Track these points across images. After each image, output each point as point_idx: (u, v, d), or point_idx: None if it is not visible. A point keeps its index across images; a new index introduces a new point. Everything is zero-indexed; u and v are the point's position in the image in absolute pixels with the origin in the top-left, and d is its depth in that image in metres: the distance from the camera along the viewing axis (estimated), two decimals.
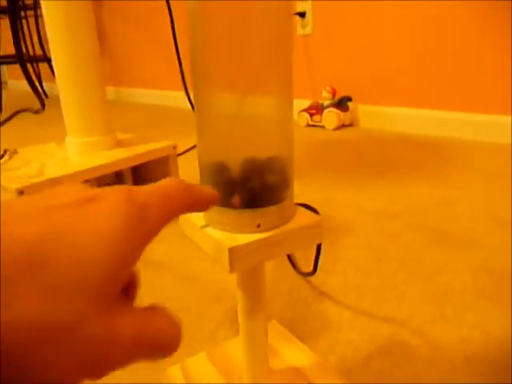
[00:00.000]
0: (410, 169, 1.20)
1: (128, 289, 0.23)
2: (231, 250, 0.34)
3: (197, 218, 0.39)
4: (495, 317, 0.58)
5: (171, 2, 1.21)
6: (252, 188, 0.36)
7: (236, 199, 0.36)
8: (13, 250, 0.16)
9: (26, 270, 0.16)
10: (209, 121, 0.36)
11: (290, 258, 0.73)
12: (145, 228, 0.21)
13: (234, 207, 0.36)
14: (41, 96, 2.39)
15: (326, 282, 0.68)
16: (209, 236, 0.36)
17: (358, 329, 0.58)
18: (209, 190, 0.26)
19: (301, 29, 1.86)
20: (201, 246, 0.39)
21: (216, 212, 0.37)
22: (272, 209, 0.36)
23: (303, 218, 0.39)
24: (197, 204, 0.25)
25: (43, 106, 2.25)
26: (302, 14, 1.83)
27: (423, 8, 1.50)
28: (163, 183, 0.23)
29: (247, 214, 0.36)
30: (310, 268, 0.73)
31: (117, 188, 0.21)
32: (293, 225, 0.38)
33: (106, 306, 0.18)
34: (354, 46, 1.73)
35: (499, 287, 0.64)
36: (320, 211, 0.99)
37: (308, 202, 1.07)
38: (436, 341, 0.54)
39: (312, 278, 0.70)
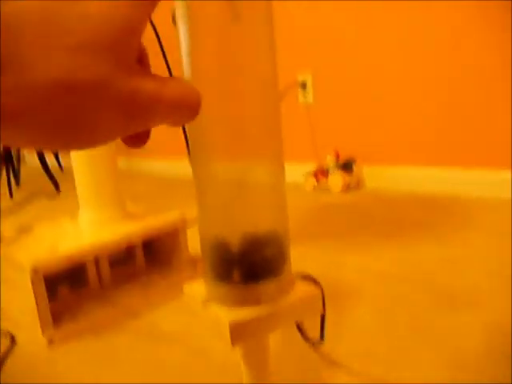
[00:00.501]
0: (416, 228, 1.21)
1: (142, 59, 0.24)
2: (232, 325, 0.36)
3: (199, 292, 0.41)
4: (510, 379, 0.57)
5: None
6: (251, 263, 0.38)
7: (236, 274, 0.38)
8: (28, 9, 0.17)
9: (45, 30, 0.17)
10: (207, 192, 0.39)
11: (298, 326, 0.73)
12: None
13: (233, 282, 0.38)
14: (55, 180, 2.47)
15: (336, 349, 0.68)
16: (210, 311, 0.38)
17: None
18: None
19: (302, 98, 1.95)
20: (204, 321, 0.40)
21: (216, 287, 0.39)
22: (271, 282, 0.38)
23: (302, 289, 0.40)
24: None
25: (58, 189, 2.33)
26: (303, 85, 1.93)
27: (421, 68, 1.58)
28: None
29: (247, 289, 0.38)
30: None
31: None
32: (292, 297, 0.39)
33: (128, 67, 0.20)
34: (354, 111, 1.80)
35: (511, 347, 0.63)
36: (327, 275, 1.00)
37: (315, 267, 1.08)
38: None
39: (321, 346, 0.69)
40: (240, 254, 0.38)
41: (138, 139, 0.25)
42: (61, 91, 0.18)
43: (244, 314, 0.37)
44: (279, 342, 0.72)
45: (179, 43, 0.36)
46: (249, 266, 0.38)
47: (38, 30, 0.17)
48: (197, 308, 0.41)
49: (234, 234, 0.38)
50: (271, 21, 0.37)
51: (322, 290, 0.42)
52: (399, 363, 0.63)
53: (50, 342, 0.80)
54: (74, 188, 0.96)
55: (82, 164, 0.94)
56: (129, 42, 0.20)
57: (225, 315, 0.37)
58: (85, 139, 0.20)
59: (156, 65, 0.38)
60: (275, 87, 0.39)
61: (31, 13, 0.17)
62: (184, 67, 0.37)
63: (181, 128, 1.34)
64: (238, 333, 0.36)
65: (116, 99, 0.19)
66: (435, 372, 0.60)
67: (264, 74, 0.37)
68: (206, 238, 0.40)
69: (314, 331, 0.74)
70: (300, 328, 0.74)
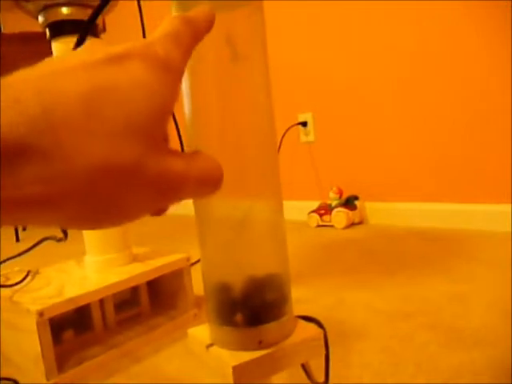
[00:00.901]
0: (420, 264, 1.21)
1: (165, 136, 0.25)
2: (235, 368, 0.36)
3: (203, 336, 0.42)
4: None
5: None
6: (253, 306, 0.39)
7: (239, 318, 0.39)
8: (70, 102, 0.18)
9: (85, 120, 0.18)
10: (208, 230, 0.40)
11: (304, 367, 0.73)
12: (173, 73, 0.23)
13: (236, 325, 0.39)
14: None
15: None
16: (214, 355, 0.39)
17: None
18: (203, 10, 0.27)
19: (304, 136, 1.99)
20: (207, 364, 0.41)
21: (220, 331, 0.39)
22: (273, 325, 0.39)
23: (304, 331, 0.41)
24: (199, 29, 0.26)
25: (66, 235, 2.36)
26: (304, 124, 1.97)
27: (420, 108, 1.62)
28: (168, 26, 0.24)
29: (249, 332, 0.38)
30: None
31: (139, 45, 0.22)
32: (294, 339, 0.40)
33: (158, 149, 0.21)
34: (355, 148, 1.83)
35: None
36: (332, 314, 1.00)
37: (319, 305, 1.08)
38: None
39: None
40: (242, 297, 0.39)
41: (160, 209, 0.25)
42: (98, 176, 0.19)
43: (247, 357, 0.37)
44: (285, 382, 0.71)
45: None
46: (251, 309, 0.39)
47: (79, 119, 0.18)
48: (201, 352, 0.42)
49: (236, 278, 0.39)
50: (267, 60, 0.39)
51: (324, 330, 0.42)
52: None
53: None
54: (81, 232, 0.98)
55: None
56: (161, 124, 0.21)
57: (228, 359, 0.37)
58: (115, 219, 0.21)
59: None
60: (273, 127, 0.41)
61: (73, 103, 0.18)
62: (185, 108, 0.39)
63: None
64: (241, 376, 0.36)
65: (147, 180, 0.20)
66: None
67: (262, 114, 0.39)
68: (209, 281, 0.41)
69: (321, 372, 0.73)
70: (306, 369, 0.73)
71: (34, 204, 0.18)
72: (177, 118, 1.11)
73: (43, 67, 0.20)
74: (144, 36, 1.20)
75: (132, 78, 0.20)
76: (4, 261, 1.14)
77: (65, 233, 1.05)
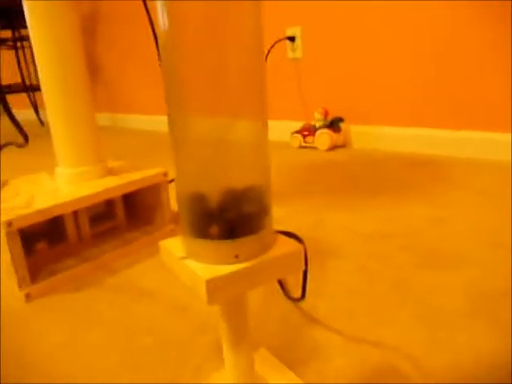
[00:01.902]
0: (403, 188, 1.20)
1: None
2: (208, 282, 0.34)
3: (176, 248, 0.39)
4: (488, 339, 0.57)
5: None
6: (230, 218, 0.36)
7: (214, 230, 0.36)
8: None
9: None
10: (185, 148, 0.36)
11: (280, 283, 0.73)
12: None
13: (211, 238, 0.36)
14: (23, 131, 2.39)
15: (316, 307, 0.68)
16: (187, 268, 0.36)
17: (348, 355, 0.57)
18: None
19: (291, 52, 1.89)
20: (180, 278, 0.38)
21: (194, 243, 0.37)
22: (250, 238, 0.36)
23: (283, 246, 0.39)
24: None
25: (26, 140, 2.26)
26: (292, 39, 1.86)
27: (414, 26, 1.53)
28: None
29: (225, 245, 0.36)
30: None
31: None
32: (272, 253, 0.37)
33: None
34: (344, 67, 1.75)
35: (492, 308, 0.64)
36: (311, 234, 0.99)
37: (299, 225, 1.07)
38: (428, 367, 0.53)
39: (302, 303, 0.69)
40: (218, 209, 0.36)
41: None
42: None
43: (222, 270, 0.35)
44: (260, 298, 0.71)
45: None
46: (227, 221, 0.36)
47: None
48: (173, 265, 0.39)
49: (213, 189, 0.36)
50: None
51: (304, 246, 0.40)
52: (379, 321, 0.63)
53: (28, 296, 0.78)
54: (50, 145, 0.92)
55: (58, 117, 0.90)
56: None
57: (202, 272, 0.35)
58: None
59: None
60: (260, 39, 0.35)
61: None
62: (159, 12, 0.33)
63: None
64: (215, 290, 0.34)
65: None
66: (414, 330, 0.60)
67: (249, 23, 0.33)
68: (183, 193, 0.37)
69: (296, 289, 0.73)
70: (282, 285, 0.73)
71: None
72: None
73: None
74: (154, 32, 1.07)
75: None
76: None
77: (25, 137, 0.99)
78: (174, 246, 0.40)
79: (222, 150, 0.35)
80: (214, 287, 0.34)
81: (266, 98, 0.37)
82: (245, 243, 0.36)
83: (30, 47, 2.86)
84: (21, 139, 2.26)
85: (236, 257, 0.36)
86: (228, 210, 0.36)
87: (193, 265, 0.36)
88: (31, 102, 3.04)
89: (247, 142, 0.36)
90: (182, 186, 0.37)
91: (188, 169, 0.36)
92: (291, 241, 0.40)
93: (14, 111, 3.84)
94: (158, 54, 1.11)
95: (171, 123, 0.36)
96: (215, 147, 0.35)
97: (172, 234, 1.01)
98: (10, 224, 0.74)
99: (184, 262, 0.37)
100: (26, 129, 2.99)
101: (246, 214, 0.36)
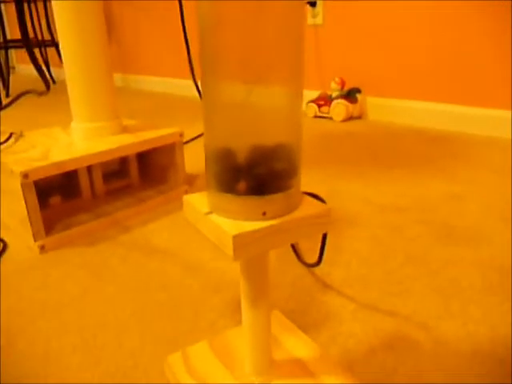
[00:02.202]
0: (418, 163, 1.18)
1: None
2: (235, 238, 0.33)
3: (201, 204, 0.38)
4: (502, 313, 0.57)
5: None
6: (259, 174, 0.35)
7: (242, 185, 0.35)
8: None
9: None
10: (217, 108, 0.35)
11: (294, 248, 0.72)
12: None
13: (239, 194, 0.35)
14: (46, 78, 2.38)
15: (330, 274, 0.68)
16: (213, 223, 0.36)
17: (361, 321, 0.57)
18: None
19: (311, 18, 1.83)
20: (205, 233, 0.38)
21: (221, 198, 0.36)
22: (278, 196, 0.36)
23: (310, 206, 0.38)
24: None
25: (48, 87, 2.24)
26: (313, 4, 1.80)
27: (435, 4, 1.47)
28: None
29: (253, 201, 0.35)
30: (314, 259, 0.72)
31: None
32: (299, 213, 0.37)
33: None
34: (364, 37, 1.70)
35: (506, 283, 0.63)
36: (326, 202, 0.98)
37: (314, 192, 1.06)
38: (441, 336, 0.54)
39: (316, 270, 0.69)
40: (247, 164, 0.35)
41: None
42: None
43: (249, 226, 0.34)
44: (273, 262, 0.71)
45: None
46: (256, 177, 0.35)
47: None
48: (197, 220, 0.39)
49: (242, 145, 0.35)
50: None
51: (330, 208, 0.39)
52: (391, 291, 0.63)
53: (42, 248, 0.79)
54: (66, 103, 0.91)
55: (76, 71, 0.88)
56: None
57: (228, 227, 0.34)
58: None
59: None
60: (302, 7, 0.33)
61: None
62: None
63: (184, 47, 1.25)
64: (241, 246, 0.34)
65: None
66: (428, 300, 0.60)
67: None
68: (212, 148, 0.36)
69: (307, 254, 0.73)
70: (295, 250, 0.73)
71: None
72: None
73: None
74: (184, 30, 1.01)
75: None
76: None
77: (47, 85, 0.97)
78: (199, 202, 0.39)
79: (253, 109, 0.34)
80: (241, 243, 0.34)
81: (303, 64, 0.36)
82: (273, 200, 0.35)
83: (44, 0, 2.80)
84: (41, 88, 2.24)
85: (263, 214, 0.35)
86: (257, 165, 0.35)
87: (219, 220, 0.36)
88: (43, 58, 3.00)
89: (280, 101, 0.35)
90: (210, 141, 0.37)
91: (218, 125, 0.35)
92: (317, 202, 0.39)
93: (24, 67, 3.80)
94: (182, 19, 1.07)
95: (204, 85, 0.35)
96: (247, 107, 0.34)
97: (186, 194, 1.00)
98: (26, 176, 0.74)
99: (209, 217, 0.37)
100: (37, 85, 2.97)
101: (276, 171, 0.36)
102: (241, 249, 0.34)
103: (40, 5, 3.13)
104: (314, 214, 0.37)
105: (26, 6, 2.93)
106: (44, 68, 3.21)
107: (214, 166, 0.36)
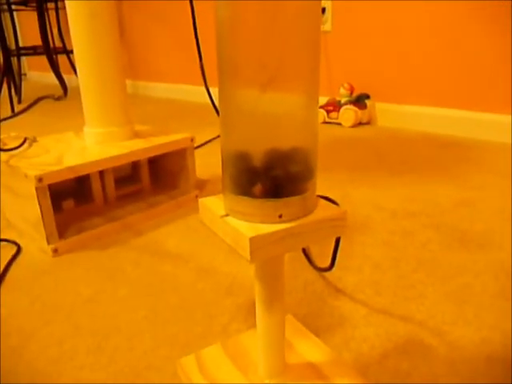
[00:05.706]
0: (428, 168, 1.18)
1: None
2: (252, 240, 0.34)
3: (217, 207, 0.39)
4: None
5: None
6: (275, 177, 0.36)
7: (258, 188, 0.36)
8: None
9: None
10: (234, 112, 0.35)
11: (305, 253, 0.73)
12: None
13: (255, 196, 0.35)
14: (65, 83, 2.40)
15: (342, 279, 0.68)
16: (229, 225, 0.36)
17: (374, 326, 0.57)
18: None
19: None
20: (221, 236, 0.38)
21: (237, 201, 0.36)
22: (295, 199, 0.36)
23: (326, 209, 0.38)
24: None
25: (66, 92, 2.26)
26: (322, 10, 1.81)
27: (446, 5, 1.48)
28: None
29: (269, 204, 0.35)
30: (324, 264, 0.72)
31: None
32: (315, 216, 0.37)
33: None
34: (372, 43, 1.71)
35: None
36: None
37: None
38: (455, 342, 0.53)
39: (327, 275, 0.69)
40: (263, 167, 0.35)
41: None
42: None
43: (265, 229, 0.35)
44: (285, 267, 0.71)
45: None
46: (273, 180, 0.35)
47: None
48: (213, 222, 0.39)
49: (259, 148, 0.35)
50: None
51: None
52: (404, 296, 0.63)
53: (55, 251, 0.79)
54: (78, 108, 0.92)
55: (89, 77, 0.89)
56: None
57: (245, 230, 0.35)
58: None
59: None
60: (318, 14, 0.34)
61: None
62: None
63: (196, 53, 1.26)
64: (258, 248, 0.34)
65: None
66: (441, 305, 0.60)
67: None
68: (229, 151, 0.37)
69: (318, 260, 0.73)
70: (307, 254, 0.73)
71: None
72: None
73: None
74: (196, 36, 1.03)
75: None
76: (1, 120, 1.09)
77: (65, 90, 0.98)
78: (214, 204, 0.40)
79: (270, 113, 0.34)
80: (258, 245, 0.34)
81: (318, 68, 0.36)
82: (289, 203, 0.36)
83: (56, 9, 2.84)
84: (59, 93, 2.27)
85: (280, 216, 0.36)
86: (273, 168, 0.35)
87: (235, 222, 0.36)
88: (54, 65, 3.03)
89: (297, 105, 0.35)
90: (227, 144, 0.37)
91: (235, 130, 0.36)
92: (333, 206, 0.39)
93: (35, 74, 3.85)
94: (194, 25, 1.09)
95: (221, 90, 0.36)
96: (264, 112, 0.34)
97: (197, 199, 1.01)
98: (40, 179, 0.75)
99: (226, 220, 0.37)
100: (47, 92, 3.00)
101: (292, 174, 0.36)
102: (257, 251, 0.34)
103: (52, 13, 3.17)
104: (329, 217, 0.37)
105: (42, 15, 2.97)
106: (53, 77, 3.24)
107: (231, 169, 0.37)
